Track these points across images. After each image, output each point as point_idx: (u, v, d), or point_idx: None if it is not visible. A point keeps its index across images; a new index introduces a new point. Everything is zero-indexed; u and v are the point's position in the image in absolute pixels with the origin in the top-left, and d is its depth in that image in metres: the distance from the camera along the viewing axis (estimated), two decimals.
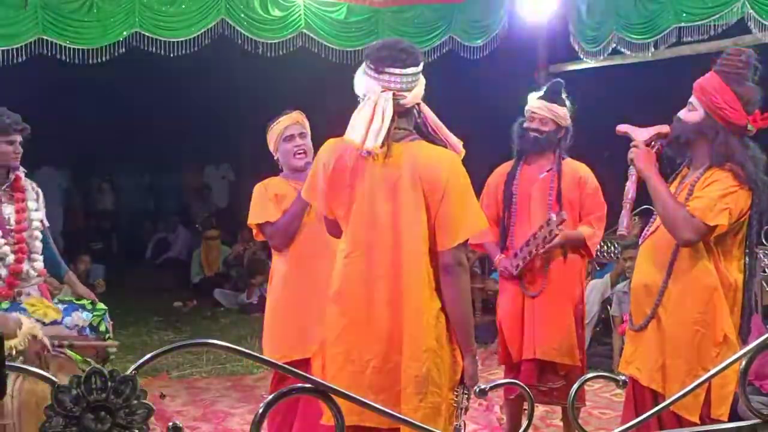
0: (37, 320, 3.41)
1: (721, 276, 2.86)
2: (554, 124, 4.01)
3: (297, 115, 3.75)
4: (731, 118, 2.82)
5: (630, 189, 3.03)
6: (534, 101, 4.07)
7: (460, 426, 2.62)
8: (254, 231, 3.75)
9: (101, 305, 3.80)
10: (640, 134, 3.04)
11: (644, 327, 3.00)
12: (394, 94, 2.56)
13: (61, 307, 3.61)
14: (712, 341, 2.84)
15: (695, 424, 2.75)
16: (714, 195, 2.79)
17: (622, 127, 3.14)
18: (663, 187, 2.90)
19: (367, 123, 2.52)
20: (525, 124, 4.07)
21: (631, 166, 3.03)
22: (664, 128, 3.01)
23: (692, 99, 2.93)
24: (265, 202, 3.66)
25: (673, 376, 2.89)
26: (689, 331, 2.87)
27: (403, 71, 2.56)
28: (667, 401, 1.50)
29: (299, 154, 3.66)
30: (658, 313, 2.96)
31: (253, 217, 3.68)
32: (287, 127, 3.70)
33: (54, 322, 3.50)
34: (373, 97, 2.56)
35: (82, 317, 3.62)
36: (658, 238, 3.00)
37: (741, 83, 2.84)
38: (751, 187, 2.81)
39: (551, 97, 4.04)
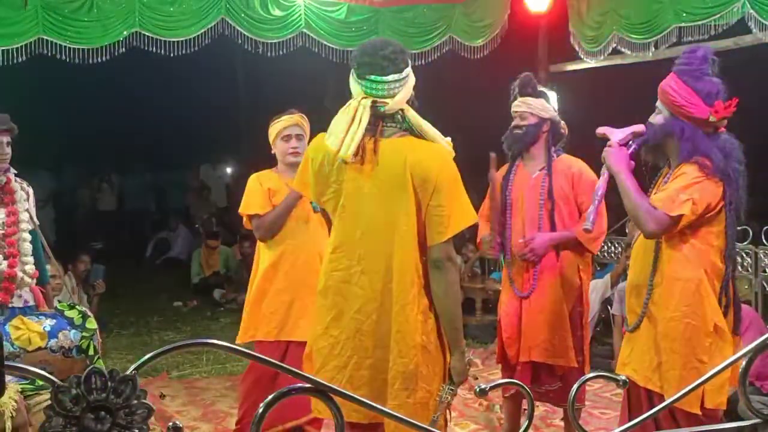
0: (20, 348, 3.38)
1: (708, 268, 2.91)
2: (534, 117, 3.99)
3: (298, 118, 4.01)
4: (693, 113, 2.88)
5: (600, 186, 3.14)
6: (512, 103, 4.09)
7: (436, 418, 2.62)
8: (244, 219, 4.04)
9: (92, 323, 3.73)
10: (616, 135, 3.12)
11: (637, 327, 3.05)
12: (375, 101, 2.57)
13: (47, 324, 3.53)
14: (704, 332, 2.88)
15: (694, 422, 2.75)
16: (676, 187, 2.86)
17: (600, 130, 3.22)
18: (630, 183, 2.97)
19: (345, 130, 2.54)
20: (511, 126, 4.09)
21: (604, 165, 3.12)
22: (639, 127, 3.09)
23: (657, 102, 3.01)
24: (258, 195, 3.96)
25: (669, 372, 2.92)
26: (680, 324, 2.91)
27: (383, 78, 2.56)
28: (669, 400, 1.49)
29: (292, 155, 3.95)
30: (649, 312, 3.00)
31: (244, 207, 3.99)
32: (286, 127, 3.98)
33: (38, 348, 3.45)
34: (354, 104, 2.58)
35: (69, 337, 3.55)
36: (642, 239, 3.06)
37: (699, 78, 2.90)
38: (721, 178, 2.86)
39: (522, 91, 4.05)
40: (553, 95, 4.12)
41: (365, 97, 2.57)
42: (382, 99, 2.57)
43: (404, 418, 1.42)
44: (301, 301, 3.89)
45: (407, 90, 2.63)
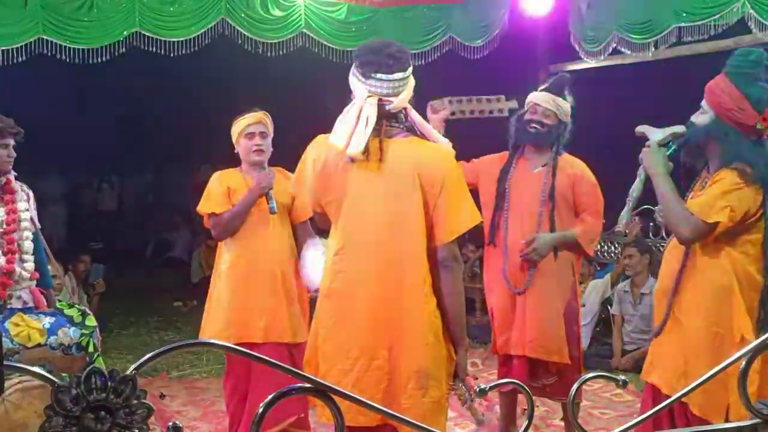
0: (20, 344, 3.38)
1: (742, 277, 2.82)
2: (556, 118, 3.96)
3: (261, 115, 3.99)
4: (740, 118, 2.78)
5: (635, 187, 3.05)
6: (538, 94, 4.03)
7: (482, 418, 2.64)
8: (204, 218, 4.03)
9: (91, 320, 3.75)
10: (655, 135, 3.02)
11: (661, 330, 2.98)
12: (380, 100, 2.57)
13: (47, 321, 3.54)
14: (731, 342, 2.79)
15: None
16: (715, 193, 2.77)
17: (640, 129, 3.11)
18: (667, 186, 2.89)
19: (351, 128, 2.55)
20: (526, 116, 4.01)
21: (641, 166, 3.02)
22: (680, 128, 2.99)
23: (703, 102, 2.90)
24: (216, 193, 3.96)
25: (695, 379, 2.84)
26: (708, 333, 2.84)
27: (389, 77, 2.57)
28: (671, 398, 1.49)
29: (256, 152, 3.94)
30: (676, 318, 2.92)
31: (202, 206, 3.99)
32: (249, 125, 3.95)
33: (38, 345, 3.46)
34: (359, 102, 2.58)
35: (69, 334, 3.56)
36: (674, 242, 2.97)
37: (750, 83, 2.79)
38: (762, 186, 2.77)
39: (556, 90, 3.99)
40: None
41: (371, 96, 2.57)
42: (387, 97, 2.58)
43: (410, 420, 1.41)
44: (261, 303, 3.88)
45: (410, 89, 2.65)
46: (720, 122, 2.83)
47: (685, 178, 3.05)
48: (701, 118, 2.90)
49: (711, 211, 2.75)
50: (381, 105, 2.57)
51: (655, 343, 3.07)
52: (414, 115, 2.66)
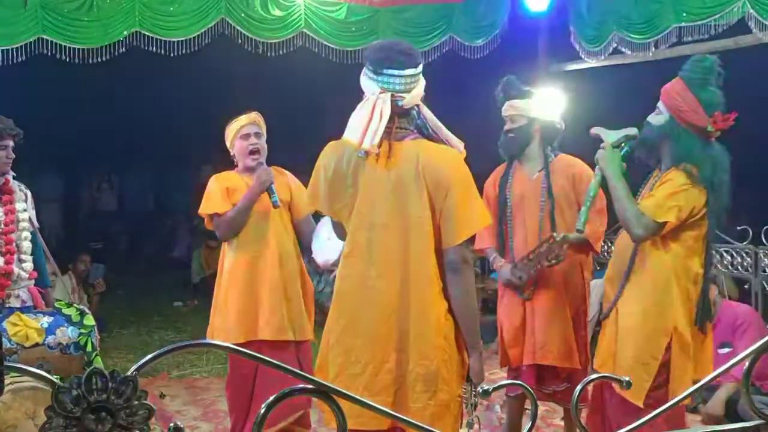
0: (18, 344, 3.37)
1: (680, 270, 3.02)
2: (523, 118, 3.95)
3: (255, 116, 4.03)
4: (692, 120, 2.98)
5: (592, 186, 3.28)
6: (502, 107, 4.06)
7: (473, 421, 2.63)
8: (206, 220, 4.04)
9: (89, 319, 3.75)
10: (609, 136, 3.22)
11: (607, 317, 3.23)
12: (392, 95, 2.57)
13: (45, 321, 3.54)
14: (662, 331, 3.01)
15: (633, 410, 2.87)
16: (664, 193, 2.97)
17: (594, 130, 3.31)
18: (620, 186, 3.08)
19: (365, 123, 2.54)
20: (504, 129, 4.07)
21: (597, 166, 3.22)
22: (632, 130, 3.19)
23: (659, 103, 3.10)
24: (216, 194, 3.97)
25: (621, 362, 3.08)
26: (639, 320, 3.04)
27: (402, 72, 2.57)
28: (673, 401, 1.49)
29: (253, 152, 3.96)
30: (617, 304, 3.15)
31: (203, 208, 3.99)
32: (244, 126, 3.98)
33: (36, 345, 3.45)
34: (372, 98, 2.57)
35: (67, 334, 3.55)
36: (624, 235, 3.17)
37: (703, 87, 3.00)
38: (706, 186, 2.96)
39: (507, 93, 4.01)
40: (546, 93, 4.09)
41: (383, 92, 2.57)
42: (399, 93, 2.58)
43: (418, 424, 1.40)
44: (267, 300, 3.89)
45: (422, 86, 2.65)
46: (674, 123, 3.03)
47: (638, 178, 3.24)
48: (657, 118, 3.09)
49: (660, 211, 2.95)
50: (393, 101, 2.57)
51: (603, 326, 3.30)
52: (426, 112, 2.65)
